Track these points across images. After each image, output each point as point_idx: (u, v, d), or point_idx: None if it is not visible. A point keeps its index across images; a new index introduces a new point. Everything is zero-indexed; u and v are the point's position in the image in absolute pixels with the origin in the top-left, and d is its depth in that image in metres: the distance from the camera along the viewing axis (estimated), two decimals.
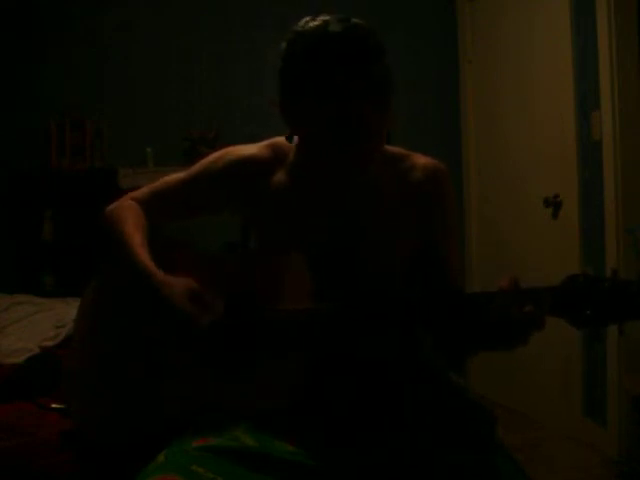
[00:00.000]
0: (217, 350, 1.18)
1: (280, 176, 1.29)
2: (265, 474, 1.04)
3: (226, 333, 1.18)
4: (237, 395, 1.16)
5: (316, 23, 1.15)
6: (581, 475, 2.55)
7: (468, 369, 3.67)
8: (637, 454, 2.59)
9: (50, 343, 2.40)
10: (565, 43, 2.95)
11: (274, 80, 1.23)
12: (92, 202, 3.23)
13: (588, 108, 2.83)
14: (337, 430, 1.15)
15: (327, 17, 1.15)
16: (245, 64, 3.86)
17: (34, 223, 3.65)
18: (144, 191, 1.39)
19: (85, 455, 1.35)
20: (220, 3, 3.87)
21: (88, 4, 3.83)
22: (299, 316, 1.14)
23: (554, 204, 3.05)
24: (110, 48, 3.82)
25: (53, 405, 1.58)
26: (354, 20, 1.15)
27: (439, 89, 3.90)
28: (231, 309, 1.19)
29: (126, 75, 3.82)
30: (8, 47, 3.79)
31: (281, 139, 1.32)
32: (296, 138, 1.26)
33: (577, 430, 2.89)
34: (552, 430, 3.00)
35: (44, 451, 1.39)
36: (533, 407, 3.22)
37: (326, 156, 1.20)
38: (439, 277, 1.28)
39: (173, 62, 3.85)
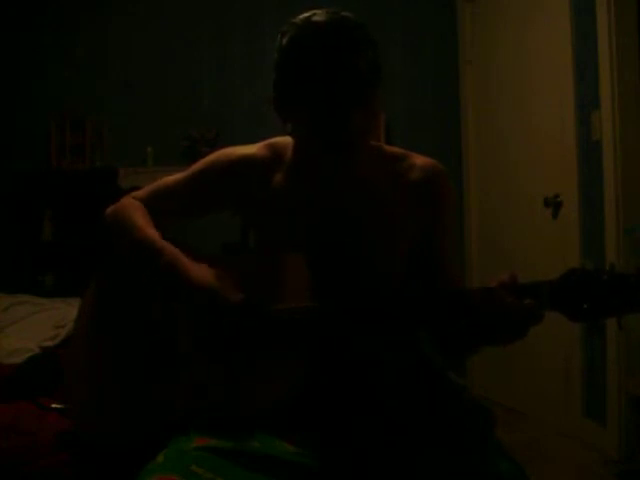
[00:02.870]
0: (218, 350, 1.18)
1: (278, 176, 1.29)
2: (265, 474, 1.04)
3: (227, 333, 1.18)
4: (237, 395, 1.16)
5: (306, 15, 1.16)
6: (581, 475, 2.55)
7: (468, 369, 3.67)
8: (637, 454, 2.60)
9: (50, 343, 2.41)
10: (565, 43, 2.95)
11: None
12: (92, 202, 3.25)
13: (588, 108, 2.83)
14: (334, 431, 1.15)
15: (318, 11, 1.16)
16: (245, 64, 3.86)
17: (34, 223, 3.66)
18: (144, 191, 1.39)
19: (82, 455, 1.35)
20: (220, 4, 3.88)
21: (88, 4, 3.83)
22: (298, 314, 1.14)
23: (554, 204, 3.05)
24: (110, 48, 3.83)
25: (53, 405, 1.58)
26: (343, 13, 1.16)
27: (439, 89, 3.91)
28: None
29: (126, 75, 3.82)
30: (8, 47, 3.79)
31: (280, 139, 1.33)
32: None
33: (577, 430, 2.89)
34: (552, 430, 3.00)
35: (44, 451, 1.39)
36: (533, 407, 3.23)
37: (310, 148, 1.20)
38: (437, 275, 1.28)
39: (173, 62, 3.85)
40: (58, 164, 3.71)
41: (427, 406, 1.19)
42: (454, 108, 3.86)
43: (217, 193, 1.34)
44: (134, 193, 1.40)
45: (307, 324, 1.14)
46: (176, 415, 1.17)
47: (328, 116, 1.13)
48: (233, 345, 1.18)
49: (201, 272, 1.18)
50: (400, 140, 3.61)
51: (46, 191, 3.70)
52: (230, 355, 1.18)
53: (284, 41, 1.16)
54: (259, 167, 1.30)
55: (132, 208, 1.33)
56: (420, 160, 1.30)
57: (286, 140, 1.31)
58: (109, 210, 1.36)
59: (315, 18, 1.14)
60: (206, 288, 1.16)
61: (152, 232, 1.26)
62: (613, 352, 2.66)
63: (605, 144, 2.70)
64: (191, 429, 1.11)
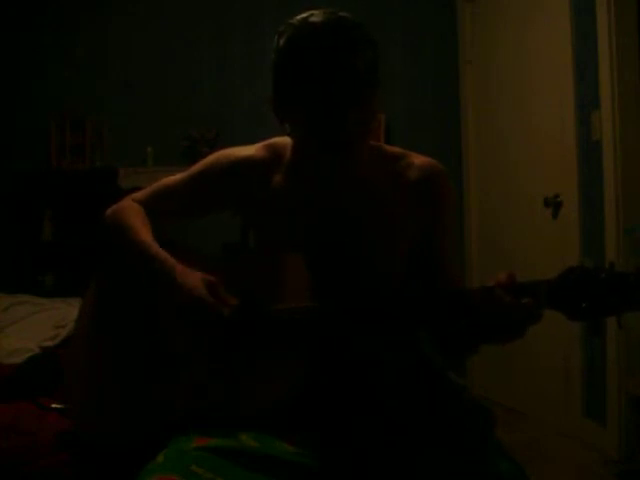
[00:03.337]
0: (220, 349, 1.18)
1: (277, 176, 1.29)
2: (265, 474, 1.04)
3: (227, 333, 1.18)
4: (237, 395, 1.16)
5: (303, 15, 1.16)
6: (581, 475, 2.55)
7: (468, 369, 3.67)
8: (637, 454, 2.60)
9: (50, 343, 2.41)
10: (565, 43, 2.95)
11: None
12: (92, 202, 3.25)
13: (588, 108, 2.83)
14: (334, 430, 1.15)
15: (316, 11, 1.16)
16: (245, 64, 3.86)
17: (34, 223, 3.66)
18: (144, 192, 1.40)
19: (82, 455, 1.35)
20: (220, 4, 3.88)
21: (88, 4, 3.83)
22: (298, 314, 1.14)
23: (554, 204, 3.05)
24: (110, 48, 3.83)
25: (53, 405, 1.58)
26: (341, 13, 1.15)
27: (439, 89, 3.91)
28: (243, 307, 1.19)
29: (126, 75, 3.82)
30: (8, 47, 3.79)
31: (279, 139, 1.33)
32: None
33: (577, 430, 2.89)
34: (552, 430, 3.00)
35: (44, 451, 1.39)
36: (533, 407, 3.23)
37: (308, 148, 1.21)
38: (436, 275, 1.28)
39: (173, 62, 3.85)
40: (58, 164, 3.71)
41: (427, 406, 1.19)
42: (454, 108, 3.86)
43: (217, 194, 1.34)
44: (134, 194, 1.40)
45: (307, 324, 1.14)
46: (176, 415, 1.17)
47: (325, 116, 1.12)
48: (233, 345, 1.18)
49: (194, 283, 1.17)
50: (400, 140, 3.61)
51: (46, 191, 3.70)
52: (230, 355, 1.18)
53: (281, 42, 1.16)
54: (259, 168, 1.30)
55: (130, 212, 1.33)
56: (419, 160, 1.30)
57: (285, 140, 1.31)
58: (108, 212, 1.37)
59: (312, 19, 1.14)
60: (197, 302, 1.15)
61: (148, 239, 1.26)
62: (613, 352, 2.66)
63: (605, 144, 2.70)
64: (191, 429, 1.11)
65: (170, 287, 1.19)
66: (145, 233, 1.28)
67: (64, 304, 2.83)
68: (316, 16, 1.14)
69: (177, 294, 1.18)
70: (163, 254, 1.23)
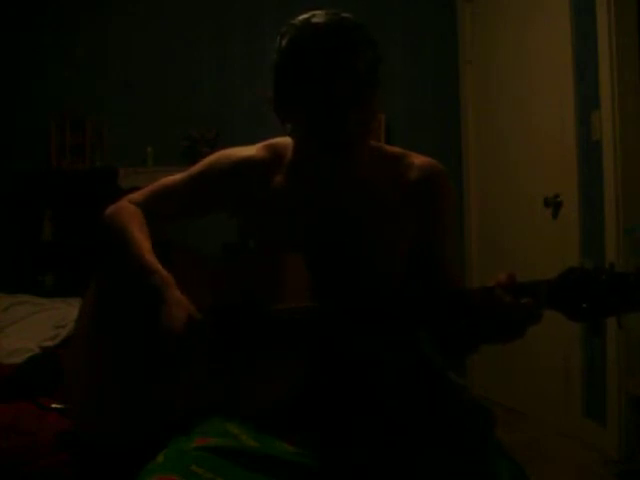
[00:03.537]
0: (218, 351, 1.18)
1: (278, 176, 1.30)
2: (265, 474, 1.04)
3: (227, 333, 1.18)
4: (237, 395, 1.16)
5: (305, 16, 1.16)
6: (581, 475, 2.55)
7: (468, 369, 3.67)
8: (637, 454, 2.60)
9: (50, 343, 2.41)
10: (565, 43, 2.95)
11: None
12: (92, 202, 3.24)
13: (588, 108, 2.83)
14: (334, 430, 1.15)
15: (318, 12, 1.16)
16: (245, 64, 3.86)
17: (34, 223, 3.66)
18: (142, 193, 1.39)
19: (82, 455, 1.35)
20: (220, 4, 3.88)
21: (88, 4, 3.83)
22: (298, 314, 1.14)
23: (554, 204, 3.05)
24: (110, 48, 3.83)
25: (53, 405, 1.58)
26: (343, 14, 1.16)
27: (439, 89, 3.91)
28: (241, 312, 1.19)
29: (126, 75, 3.82)
30: (8, 47, 3.79)
31: (279, 139, 1.33)
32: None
33: (577, 430, 2.89)
34: (552, 430, 3.00)
35: (44, 451, 1.39)
36: (533, 407, 3.23)
37: (308, 148, 1.21)
38: (437, 276, 1.28)
39: (173, 62, 3.85)
40: (58, 164, 3.71)
41: (427, 406, 1.19)
42: (454, 108, 3.86)
43: (217, 194, 1.34)
44: (131, 195, 1.39)
45: (307, 324, 1.14)
46: (176, 415, 1.17)
47: (326, 117, 1.13)
48: (233, 345, 1.18)
49: (178, 315, 1.16)
50: (400, 140, 3.61)
51: (46, 191, 3.70)
52: (230, 355, 1.18)
53: (283, 42, 1.16)
54: (259, 168, 1.30)
55: (127, 215, 1.32)
56: (419, 160, 1.30)
57: (286, 141, 1.31)
58: (107, 212, 1.36)
59: (314, 19, 1.14)
60: (175, 337, 1.16)
61: (146, 253, 1.25)
62: (613, 352, 2.66)
63: (605, 144, 2.70)
64: (191, 429, 1.11)
65: (159, 304, 1.19)
66: (143, 241, 1.27)
67: (64, 304, 2.83)
68: (318, 17, 1.14)
69: (162, 315, 1.18)
70: (156, 267, 1.22)
